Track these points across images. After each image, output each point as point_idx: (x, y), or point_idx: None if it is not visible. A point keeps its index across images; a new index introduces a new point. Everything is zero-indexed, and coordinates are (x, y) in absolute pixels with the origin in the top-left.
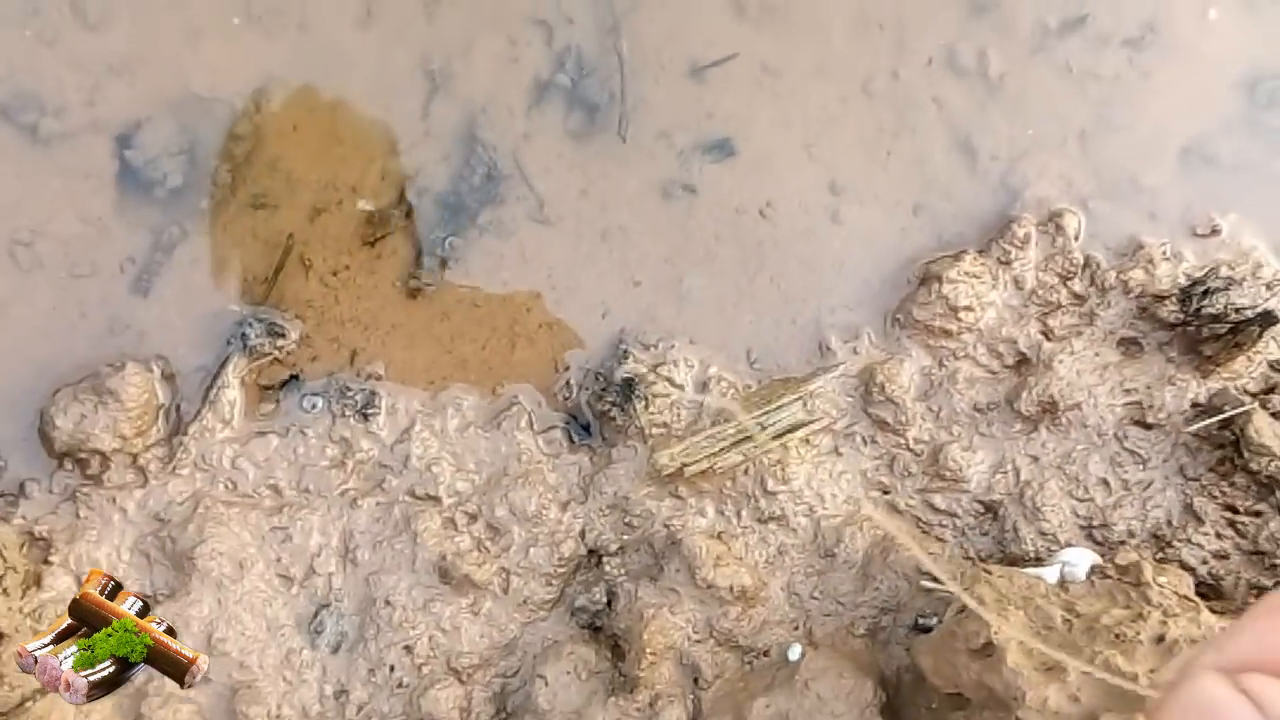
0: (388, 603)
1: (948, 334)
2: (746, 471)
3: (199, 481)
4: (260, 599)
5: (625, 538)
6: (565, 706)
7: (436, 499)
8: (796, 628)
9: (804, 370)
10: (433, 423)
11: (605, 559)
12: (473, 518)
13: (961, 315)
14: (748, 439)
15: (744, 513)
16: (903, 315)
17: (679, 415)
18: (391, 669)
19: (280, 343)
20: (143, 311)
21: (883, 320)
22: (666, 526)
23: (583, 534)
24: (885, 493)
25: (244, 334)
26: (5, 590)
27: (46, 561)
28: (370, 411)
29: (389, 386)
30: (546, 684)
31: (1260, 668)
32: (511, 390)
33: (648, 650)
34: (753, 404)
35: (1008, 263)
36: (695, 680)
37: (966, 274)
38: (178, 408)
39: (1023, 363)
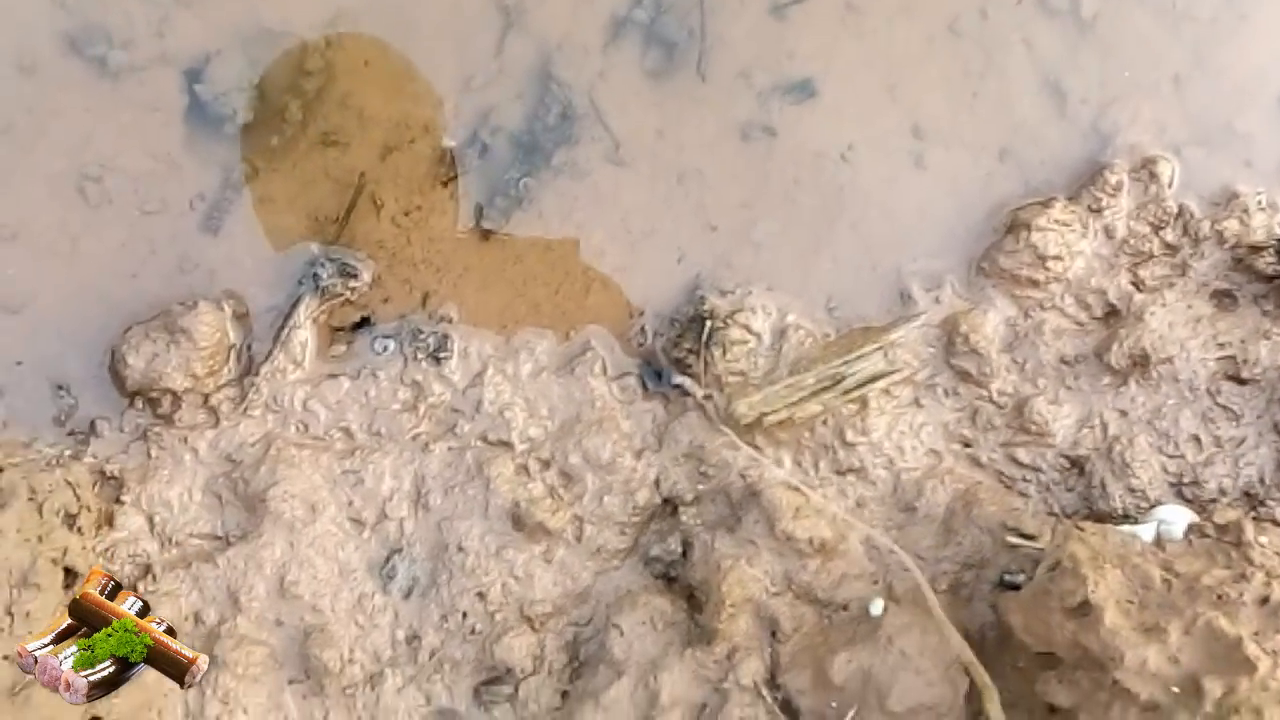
0: (460, 549)
1: (1035, 284)
2: (825, 422)
3: (270, 423)
4: (332, 542)
5: (700, 487)
6: (641, 657)
7: (509, 445)
8: (876, 582)
9: (884, 319)
10: (505, 367)
11: (680, 508)
12: (546, 464)
13: (1050, 265)
14: (827, 389)
15: (822, 464)
16: (988, 264)
17: (756, 363)
18: (464, 615)
19: (352, 284)
20: (213, 250)
21: (967, 269)
22: (743, 477)
23: (657, 483)
24: (967, 446)
25: (316, 274)
26: (80, 529)
27: (119, 501)
28: (442, 355)
29: (461, 330)
30: (622, 634)
31: None
32: (585, 335)
33: (726, 602)
34: (832, 353)
35: (1098, 211)
36: (773, 633)
37: (1056, 222)
38: (249, 348)
39: (1112, 314)
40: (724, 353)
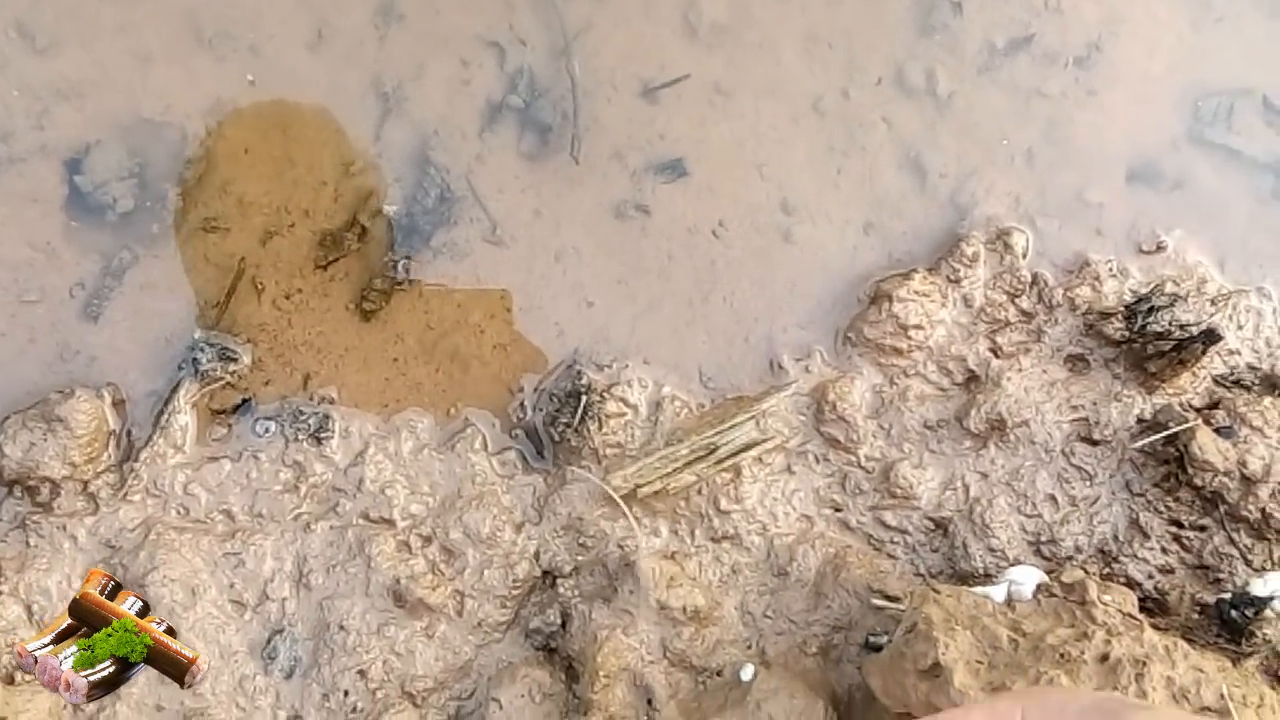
0: (341, 627)
1: (898, 352)
2: (700, 491)
3: (150, 508)
4: (213, 625)
5: (579, 559)
6: None
7: (390, 522)
8: (750, 647)
9: (757, 389)
10: (386, 445)
11: (559, 580)
12: (427, 540)
13: (912, 333)
14: (701, 459)
15: (697, 532)
16: (854, 333)
17: (633, 435)
18: (346, 694)
19: (232, 367)
20: (93, 337)
21: (834, 338)
22: (620, 547)
23: (537, 555)
24: (837, 510)
25: (195, 359)
26: None
27: None
28: (324, 435)
29: (342, 410)
30: (501, 707)
31: None
32: (465, 412)
33: (601, 672)
34: (706, 424)
35: (957, 281)
36: (649, 702)
37: (916, 292)
38: (129, 433)
39: (972, 380)
40: (600, 426)
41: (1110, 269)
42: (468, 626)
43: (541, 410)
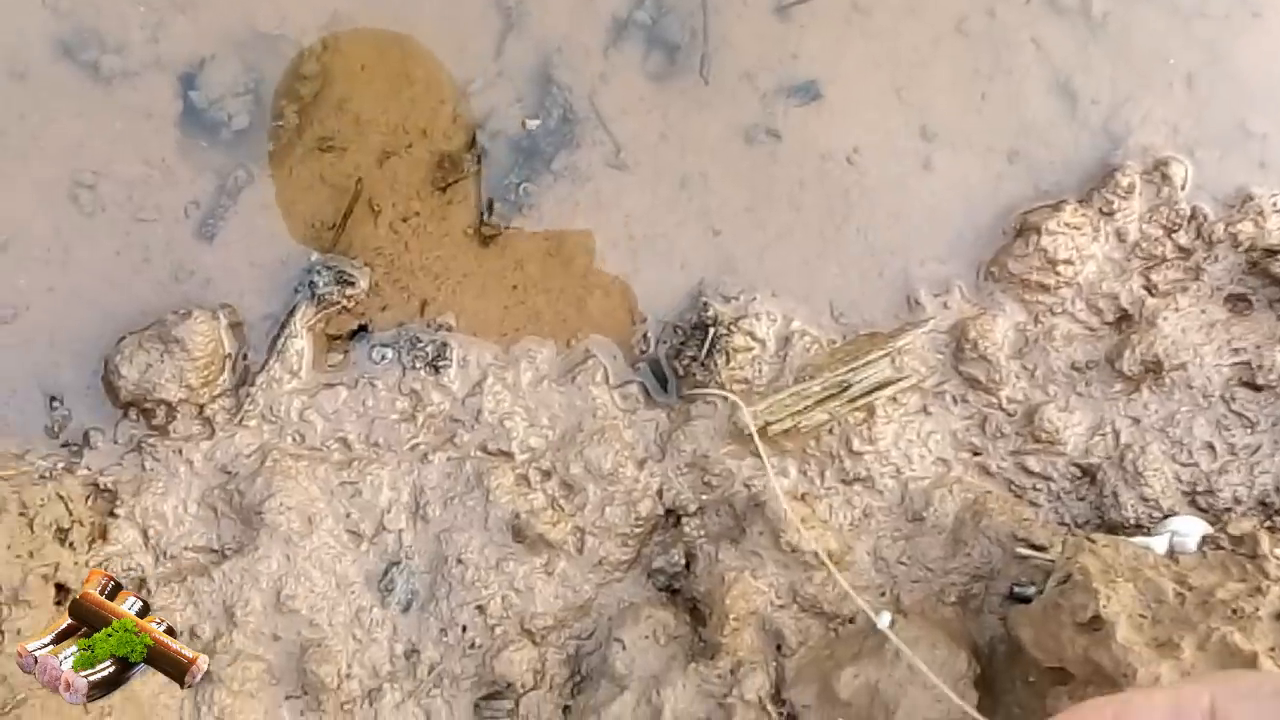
0: (459, 561)
1: (1045, 288)
2: (831, 431)
3: (266, 433)
4: (329, 555)
5: (704, 498)
6: (643, 671)
7: (509, 455)
8: (883, 594)
9: (892, 325)
10: (505, 376)
11: (684, 519)
12: (546, 475)
13: (1060, 269)
14: (833, 396)
15: (828, 473)
16: (997, 268)
17: (761, 371)
18: (464, 629)
19: (349, 291)
20: (208, 257)
21: (975, 273)
22: (748, 487)
23: (660, 493)
24: (976, 454)
25: (312, 282)
26: (71, 543)
27: (112, 514)
28: (441, 363)
29: (460, 338)
30: (624, 648)
31: None
32: (586, 343)
33: (729, 615)
34: (838, 360)
35: (1110, 214)
36: (778, 647)
37: (1066, 225)
38: (244, 357)
39: (1124, 319)
40: (728, 360)
41: (1275, 204)
42: (588, 564)
43: (665, 343)
